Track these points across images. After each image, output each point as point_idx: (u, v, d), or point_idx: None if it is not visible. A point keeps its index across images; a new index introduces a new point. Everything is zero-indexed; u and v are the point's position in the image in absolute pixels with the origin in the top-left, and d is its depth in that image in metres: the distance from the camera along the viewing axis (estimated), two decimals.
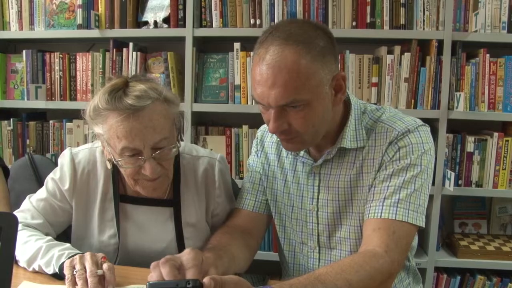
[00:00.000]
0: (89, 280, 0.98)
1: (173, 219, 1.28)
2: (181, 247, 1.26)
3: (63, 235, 1.33)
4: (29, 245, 1.15)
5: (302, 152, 1.23)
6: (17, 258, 1.16)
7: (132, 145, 1.10)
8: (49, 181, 1.28)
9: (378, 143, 1.15)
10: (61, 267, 1.05)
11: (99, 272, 1.00)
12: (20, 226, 1.20)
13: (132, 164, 1.13)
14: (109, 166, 1.21)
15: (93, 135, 1.19)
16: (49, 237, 1.20)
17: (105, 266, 1.02)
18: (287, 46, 1.02)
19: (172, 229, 1.28)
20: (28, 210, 1.26)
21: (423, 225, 1.11)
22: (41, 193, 1.28)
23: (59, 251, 1.10)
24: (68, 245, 1.16)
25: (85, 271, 0.99)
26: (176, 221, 1.28)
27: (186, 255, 0.95)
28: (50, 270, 1.09)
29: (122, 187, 1.29)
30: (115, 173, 1.25)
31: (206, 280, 0.77)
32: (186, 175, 1.30)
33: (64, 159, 1.27)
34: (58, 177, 1.26)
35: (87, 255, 1.03)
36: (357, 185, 1.17)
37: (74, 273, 1.00)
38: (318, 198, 1.22)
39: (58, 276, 1.07)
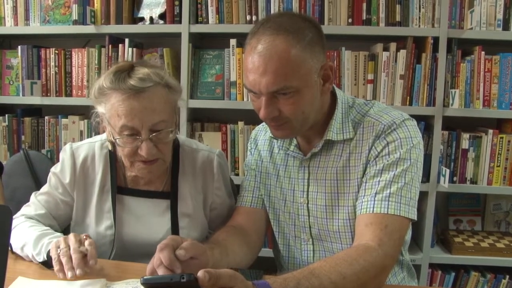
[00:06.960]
0: (73, 256, 1.02)
1: (169, 210, 1.30)
2: None
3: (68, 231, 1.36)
4: (23, 234, 1.18)
5: (292, 147, 1.25)
6: (12, 245, 1.19)
7: (131, 124, 1.14)
8: (51, 175, 1.33)
9: (365, 137, 1.17)
10: (49, 255, 1.08)
11: (82, 248, 1.04)
12: (23, 218, 1.27)
13: (130, 144, 1.17)
14: (109, 146, 1.28)
15: (95, 125, 1.25)
16: (46, 227, 1.24)
17: (86, 242, 1.07)
18: (278, 36, 1.06)
19: (168, 220, 1.29)
20: (32, 203, 1.32)
21: (415, 218, 1.12)
22: (45, 187, 1.34)
23: (49, 239, 1.14)
24: (59, 234, 1.19)
25: (69, 249, 1.03)
26: (172, 212, 1.30)
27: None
28: (40, 258, 1.12)
29: (122, 179, 1.32)
30: (113, 165, 1.29)
31: (200, 273, 0.77)
32: (184, 166, 1.33)
33: (65, 153, 1.32)
34: (59, 170, 1.31)
35: (70, 235, 1.09)
36: (343, 178, 1.18)
37: (59, 252, 1.03)
38: (308, 191, 1.23)
39: (47, 265, 1.09)
